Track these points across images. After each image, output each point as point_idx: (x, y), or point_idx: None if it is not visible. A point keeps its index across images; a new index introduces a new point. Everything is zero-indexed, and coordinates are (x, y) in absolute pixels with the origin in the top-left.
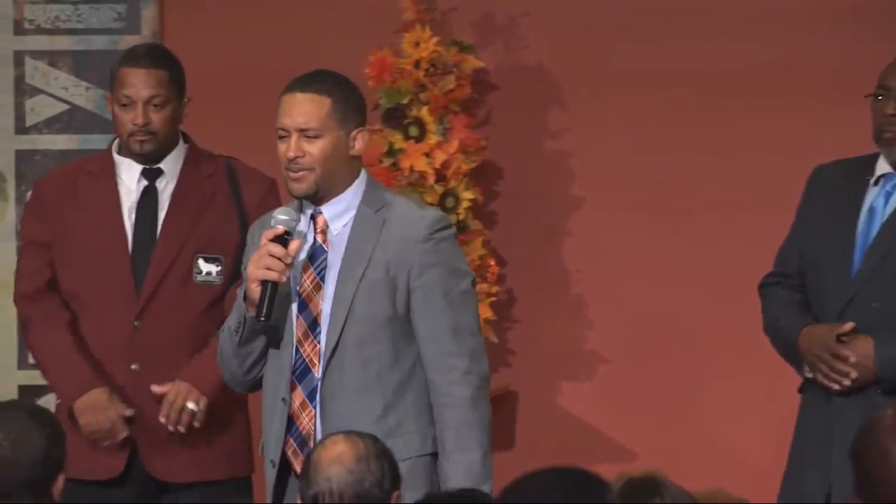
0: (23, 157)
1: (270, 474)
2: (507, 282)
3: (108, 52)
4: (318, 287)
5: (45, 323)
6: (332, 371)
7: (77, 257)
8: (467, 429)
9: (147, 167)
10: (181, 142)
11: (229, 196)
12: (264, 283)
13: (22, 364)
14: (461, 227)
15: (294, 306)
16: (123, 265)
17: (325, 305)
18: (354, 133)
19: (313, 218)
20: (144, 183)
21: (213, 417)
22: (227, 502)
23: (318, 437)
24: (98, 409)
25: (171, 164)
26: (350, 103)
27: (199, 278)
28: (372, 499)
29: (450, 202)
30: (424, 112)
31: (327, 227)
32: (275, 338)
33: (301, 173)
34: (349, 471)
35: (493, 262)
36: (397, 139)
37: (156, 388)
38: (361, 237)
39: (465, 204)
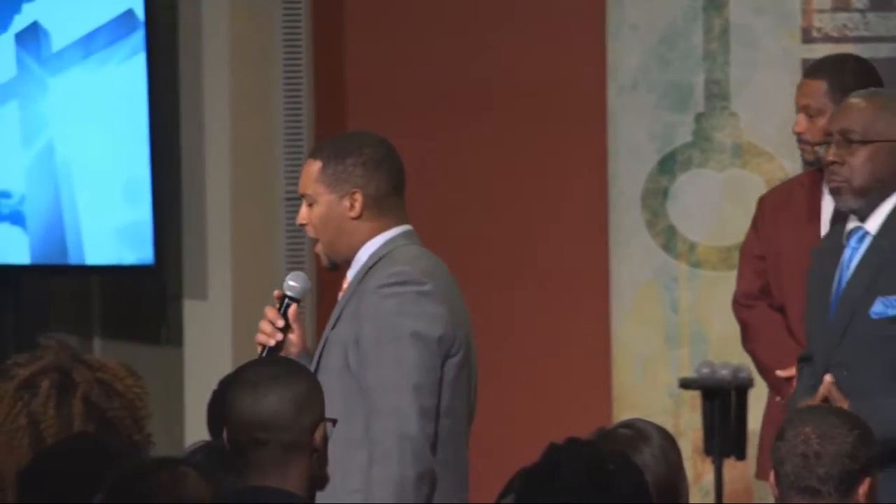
0: None
1: None
2: None
3: (893, 61)
4: None
5: (760, 327)
6: None
7: (782, 268)
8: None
9: None
10: None
11: None
12: (261, 345)
13: None
14: None
15: None
16: None
17: None
18: (349, 195)
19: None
20: None
21: None
22: None
23: None
24: None
25: None
26: (343, 165)
27: None
28: None
29: None
30: None
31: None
32: None
33: (316, 245)
34: None
35: None
36: None
37: (780, 373)
38: (348, 290)
39: None
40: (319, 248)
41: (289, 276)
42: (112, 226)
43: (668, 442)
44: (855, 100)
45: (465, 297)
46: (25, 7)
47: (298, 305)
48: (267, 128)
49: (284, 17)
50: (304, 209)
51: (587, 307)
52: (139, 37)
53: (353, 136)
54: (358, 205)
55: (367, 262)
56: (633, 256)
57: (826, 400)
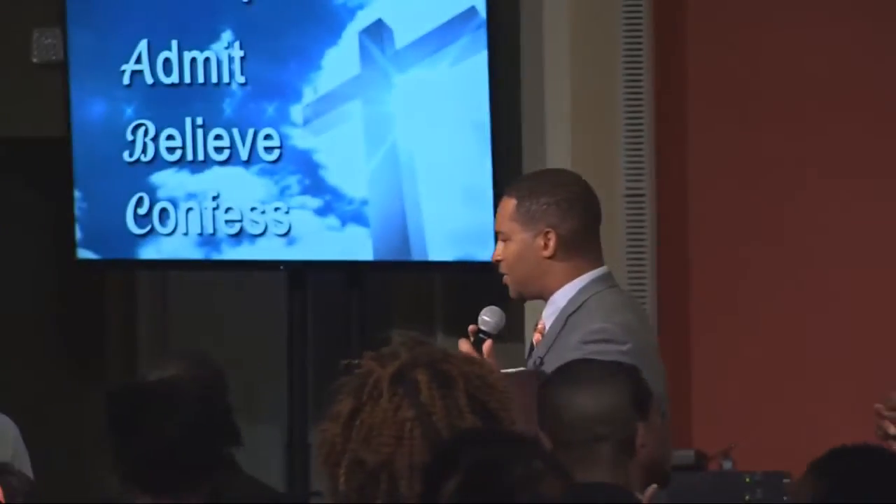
0: None
1: None
2: None
3: None
4: None
5: None
6: None
7: None
8: None
9: None
10: None
11: None
12: None
13: None
14: None
15: None
16: None
17: None
18: (542, 234)
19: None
20: None
21: None
22: None
23: None
24: None
25: None
26: (537, 204)
27: None
28: None
29: None
30: None
31: (545, 326)
32: None
33: (505, 277)
34: None
35: None
36: None
37: None
38: (547, 338)
39: None
40: (508, 279)
41: (484, 311)
42: (454, 225)
43: None
44: None
45: (788, 297)
46: (369, 5)
47: (493, 340)
48: (607, 127)
49: (625, 18)
50: (499, 245)
51: None
52: (481, 34)
53: (548, 174)
54: (552, 244)
55: (565, 310)
56: None
57: None
